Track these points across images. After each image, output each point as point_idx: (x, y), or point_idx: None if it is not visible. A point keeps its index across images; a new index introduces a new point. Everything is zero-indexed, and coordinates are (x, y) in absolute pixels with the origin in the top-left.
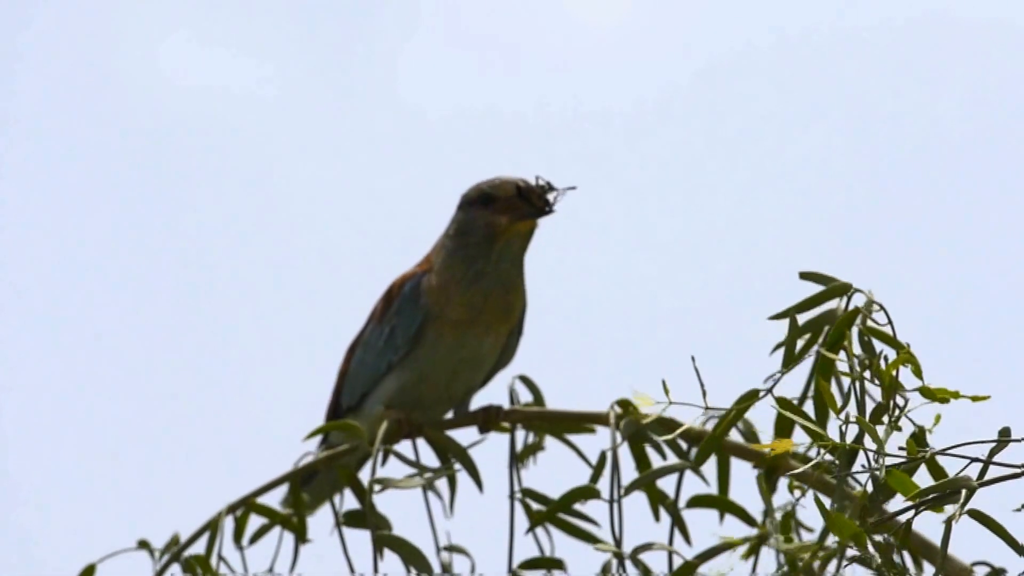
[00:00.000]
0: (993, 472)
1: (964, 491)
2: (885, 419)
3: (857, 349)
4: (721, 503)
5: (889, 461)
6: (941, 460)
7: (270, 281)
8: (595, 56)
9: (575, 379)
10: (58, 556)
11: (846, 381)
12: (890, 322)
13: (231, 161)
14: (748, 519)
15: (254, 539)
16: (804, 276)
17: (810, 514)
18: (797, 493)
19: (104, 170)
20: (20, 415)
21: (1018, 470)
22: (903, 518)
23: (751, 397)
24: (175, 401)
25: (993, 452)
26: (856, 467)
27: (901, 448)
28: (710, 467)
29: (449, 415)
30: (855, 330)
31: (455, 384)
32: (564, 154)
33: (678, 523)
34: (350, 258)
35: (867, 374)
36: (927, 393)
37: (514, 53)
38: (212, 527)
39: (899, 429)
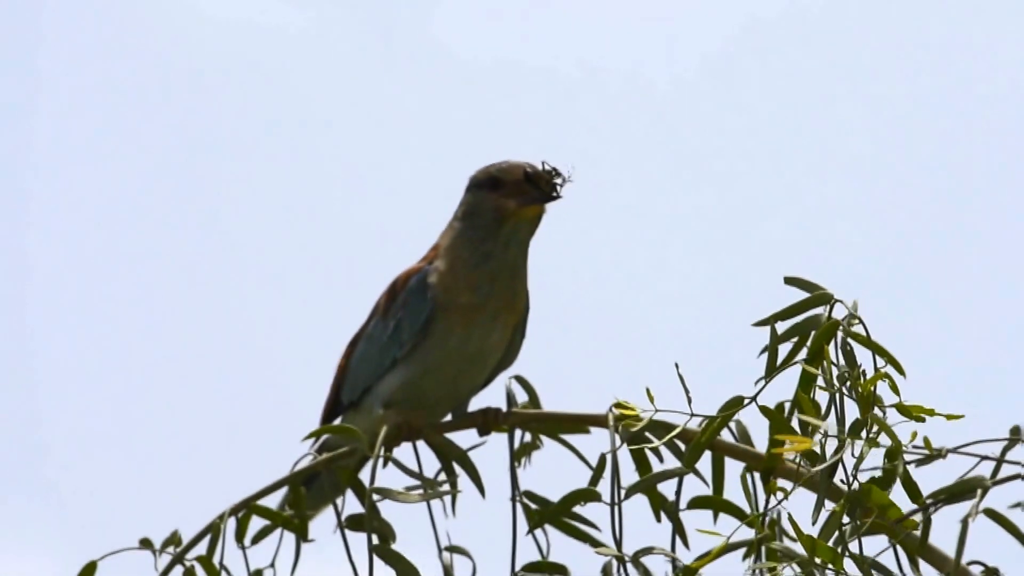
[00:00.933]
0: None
1: (979, 490)
2: (863, 434)
3: (839, 359)
4: (721, 505)
5: (908, 457)
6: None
7: (276, 277)
8: (633, 17)
9: (573, 379)
10: (58, 556)
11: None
12: (867, 334)
13: (263, 97)
14: (749, 521)
15: (256, 540)
16: (788, 281)
17: (805, 518)
18: (781, 496)
19: (137, 106)
20: (20, 416)
21: None
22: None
23: (736, 404)
24: (175, 401)
25: (1005, 450)
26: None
27: (917, 447)
28: (707, 469)
29: (448, 417)
30: (839, 339)
31: (459, 381)
32: (590, 114)
33: (677, 526)
34: (371, 231)
35: (847, 386)
36: (903, 411)
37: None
38: (214, 530)
39: (877, 445)
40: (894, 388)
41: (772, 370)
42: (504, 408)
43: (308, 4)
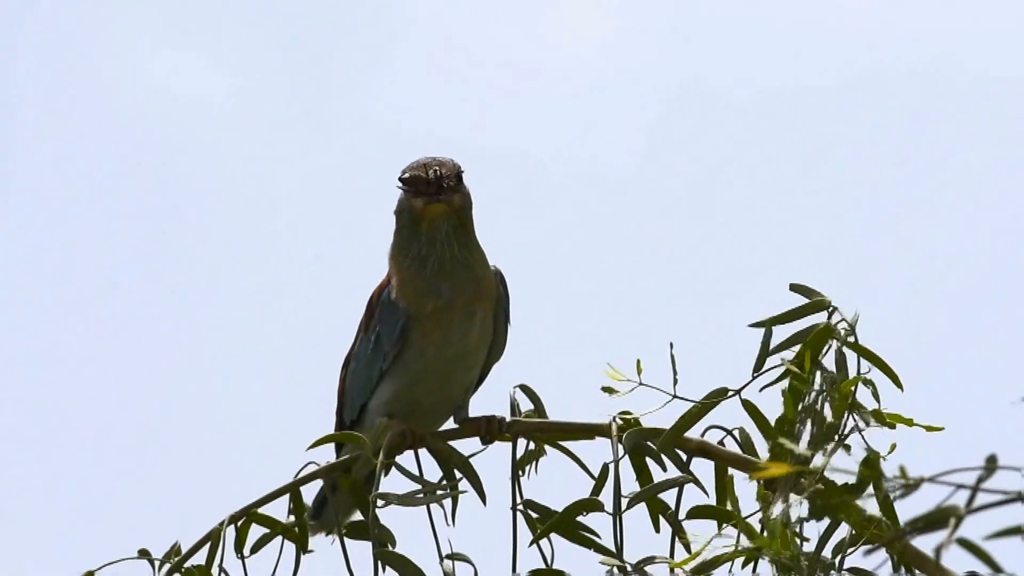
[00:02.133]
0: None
1: (953, 519)
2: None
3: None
4: (721, 514)
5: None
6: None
7: (267, 288)
8: (572, 89)
9: (578, 386)
10: (58, 565)
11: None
12: (856, 341)
13: (213, 168)
14: (748, 529)
15: (256, 548)
16: (793, 288)
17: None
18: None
19: (92, 171)
20: (21, 424)
21: (1006, 497)
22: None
23: (719, 394)
24: (176, 411)
25: (980, 480)
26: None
27: (895, 476)
28: (709, 478)
29: (450, 419)
30: (835, 347)
31: (450, 384)
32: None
33: (679, 535)
34: (335, 265)
35: (824, 393)
36: (879, 417)
37: (496, 80)
38: (213, 538)
39: (848, 449)
40: (876, 395)
41: (759, 368)
42: (507, 417)
43: (251, 77)
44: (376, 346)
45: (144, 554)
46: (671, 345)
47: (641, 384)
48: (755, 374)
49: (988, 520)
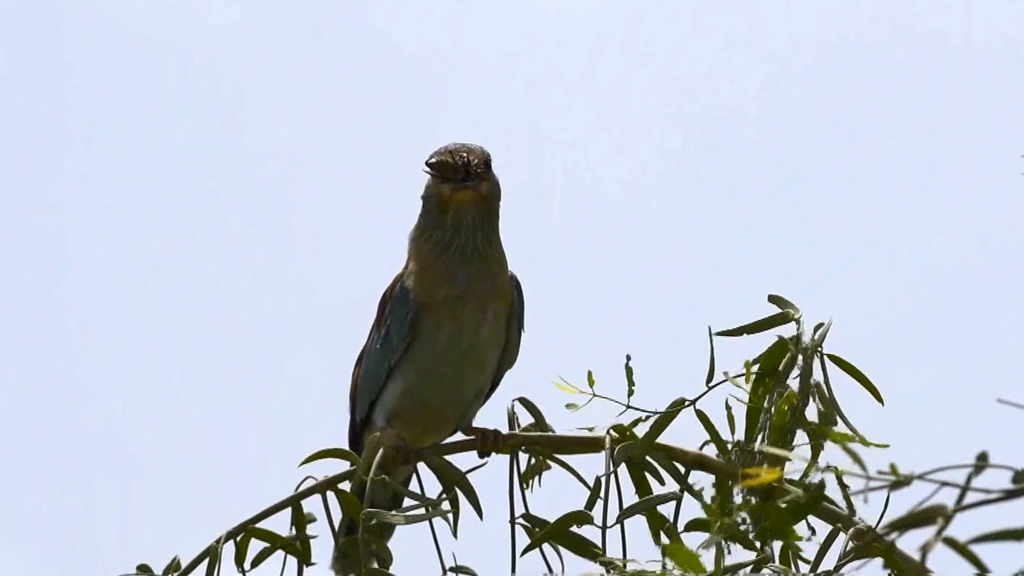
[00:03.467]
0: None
1: (940, 519)
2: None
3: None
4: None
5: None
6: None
7: (264, 285)
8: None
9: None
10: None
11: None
12: (822, 359)
13: (208, 90)
14: (748, 543)
15: (256, 562)
16: (772, 300)
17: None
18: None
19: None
20: (19, 434)
21: (994, 495)
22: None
23: (678, 404)
24: (177, 418)
25: (970, 478)
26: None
27: (882, 472)
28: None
29: (456, 425)
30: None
31: (460, 382)
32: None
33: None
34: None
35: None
36: (824, 433)
37: None
38: (211, 553)
39: (781, 473)
40: (824, 415)
41: (711, 379)
42: (504, 430)
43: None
44: (386, 340)
45: (144, 569)
46: (628, 357)
47: (595, 396)
48: (708, 386)
49: (978, 521)
